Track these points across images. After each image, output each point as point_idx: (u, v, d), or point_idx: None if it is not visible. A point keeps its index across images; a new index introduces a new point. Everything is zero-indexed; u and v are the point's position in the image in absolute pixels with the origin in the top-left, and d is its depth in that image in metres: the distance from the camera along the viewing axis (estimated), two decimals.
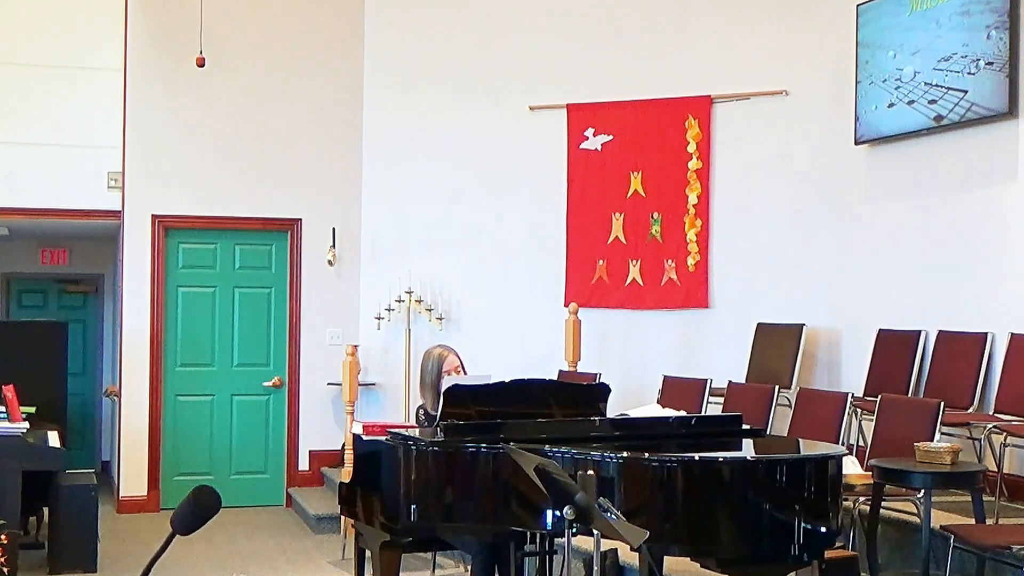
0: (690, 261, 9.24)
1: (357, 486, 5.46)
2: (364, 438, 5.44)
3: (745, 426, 5.53)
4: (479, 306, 9.81)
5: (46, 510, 7.91)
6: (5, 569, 6.52)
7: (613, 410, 5.69)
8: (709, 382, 7.67)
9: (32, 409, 7.99)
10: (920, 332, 7.66)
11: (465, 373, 6.16)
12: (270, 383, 10.05)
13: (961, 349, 7.31)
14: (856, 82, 8.27)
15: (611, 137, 9.49)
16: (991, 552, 5.29)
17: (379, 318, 9.80)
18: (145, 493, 9.70)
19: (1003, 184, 7.21)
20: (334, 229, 9.99)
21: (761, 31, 9.08)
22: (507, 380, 5.46)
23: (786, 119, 8.97)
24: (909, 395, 7.43)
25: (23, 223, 10.33)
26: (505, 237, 9.81)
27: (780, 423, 7.17)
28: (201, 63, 8.82)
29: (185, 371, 9.89)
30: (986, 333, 7.18)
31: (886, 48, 8.03)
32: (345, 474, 7.85)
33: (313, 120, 10.05)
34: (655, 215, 9.37)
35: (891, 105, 7.97)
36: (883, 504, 5.78)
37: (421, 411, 6.08)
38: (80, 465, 9.36)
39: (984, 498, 5.76)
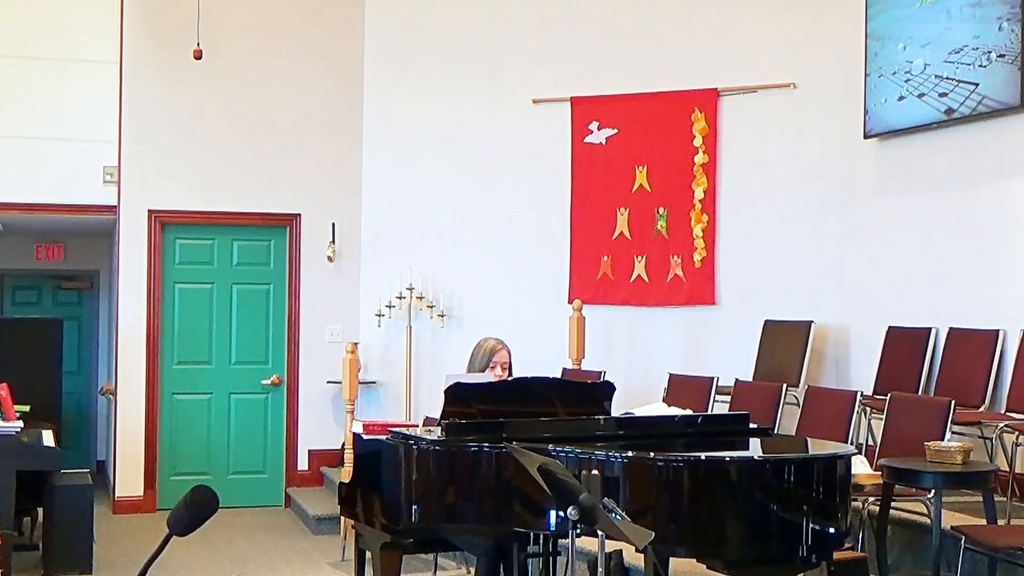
0: (696, 257, 9.17)
1: (357, 486, 5.42)
2: (364, 437, 5.39)
3: (752, 425, 5.49)
4: (481, 303, 9.75)
5: (40, 511, 7.86)
6: None
7: (618, 409, 5.63)
8: (716, 380, 7.65)
9: (26, 408, 7.94)
10: (930, 329, 7.60)
11: (511, 373, 6.12)
12: (269, 381, 9.99)
13: (972, 346, 7.26)
14: (865, 75, 8.23)
15: (616, 131, 9.43)
16: (1003, 553, 5.29)
17: (380, 315, 9.74)
18: (141, 493, 9.64)
19: (1015, 178, 7.16)
20: (334, 224, 9.93)
21: (769, 22, 9.04)
22: (510, 378, 5.40)
23: (794, 112, 8.92)
24: (919, 393, 7.40)
25: (17, 218, 10.25)
26: (508, 233, 9.75)
27: (788, 422, 7.13)
28: (198, 55, 8.75)
29: (182, 369, 9.83)
30: (997, 330, 7.13)
31: (896, 40, 7.96)
32: (345, 474, 7.83)
33: (312, 113, 9.99)
34: (661, 210, 9.30)
35: (901, 98, 7.91)
36: (893, 504, 5.75)
37: None
38: (75, 465, 9.32)
39: (996, 498, 5.74)
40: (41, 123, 9.67)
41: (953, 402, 6.04)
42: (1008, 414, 6.78)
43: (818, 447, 5.17)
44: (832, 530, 4.50)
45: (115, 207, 9.75)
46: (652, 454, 4.52)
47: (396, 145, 9.94)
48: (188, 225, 9.84)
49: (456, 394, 5.19)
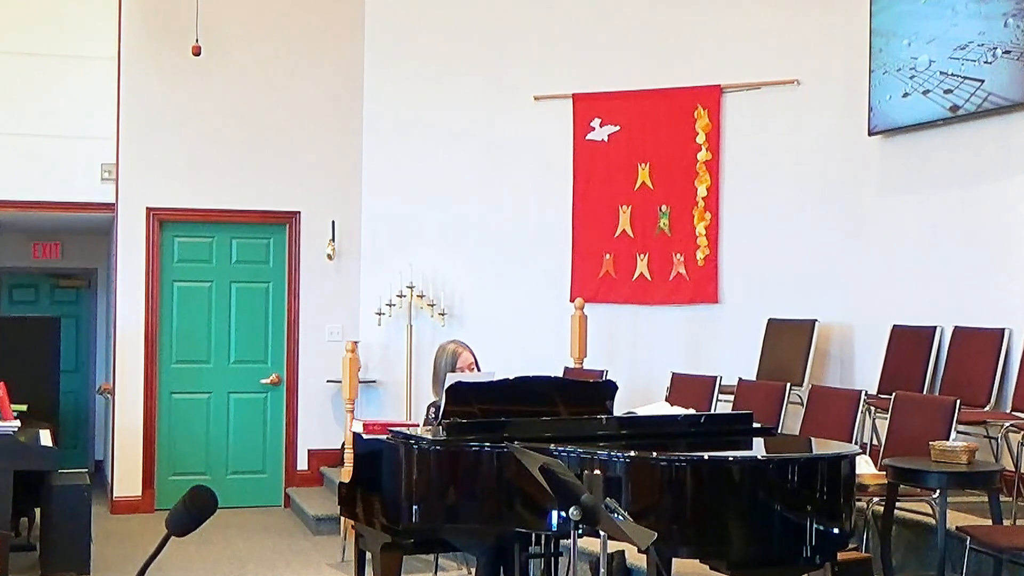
0: (699, 255, 9.14)
1: (357, 486, 5.41)
2: (364, 437, 5.39)
3: (756, 425, 5.48)
4: (483, 301, 9.72)
5: (38, 511, 7.83)
6: None
7: (620, 408, 5.62)
8: (719, 379, 7.63)
9: (23, 407, 7.91)
10: (935, 328, 7.57)
11: (479, 371, 6.08)
12: (268, 380, 9.95)
13: (977, 345, 7.23)
14: (870, 71, 8.19)
15: (618, 128, 9.39)
16: (1008, 554, 5.24)
17: (380, 314, 9.70)
18: (139, 493, 9.60)
19: (1020, 176, 7.13)
20: (334, 222, 9.88)
21: (772, 18, 9.01)
22: (511, 377, 5.43)
23: (798, 109, 8.89)
24: (924, 393, 7.37)
25: (14, 216, 10.24)
26: (509, 230, 9.71)
27: (792, 422, 7.12)
28: (197, 52, 8.75)
29: (180, 368, 9.79)
30: (1003, 329, 7.10)
31: (900, 36, 7.92)
32: (345, 474, 7.79)
33: (312, 110, 9.95)
34: (663, 208, 9.26)
35: (905, 95, 7.87)
36: (897, 505, 5.75)
37: (432, 408, 5.97)
38: (73, 465, 9.32)
39: (1001, 498, 5.73)
40: (39, 120, 9.68)
41: (958, 401, 6.03)
42: (1013, 413, 6.76)
43: (822, 447, 5.15)
44: (836, 530, 4.50)
45: (113, 205, 9.72)
46: (655, 454, 4.51)
47: (396, 142, 9.90)
48: (187, 223, 9.79)
49: (457, 393, 5.17)
